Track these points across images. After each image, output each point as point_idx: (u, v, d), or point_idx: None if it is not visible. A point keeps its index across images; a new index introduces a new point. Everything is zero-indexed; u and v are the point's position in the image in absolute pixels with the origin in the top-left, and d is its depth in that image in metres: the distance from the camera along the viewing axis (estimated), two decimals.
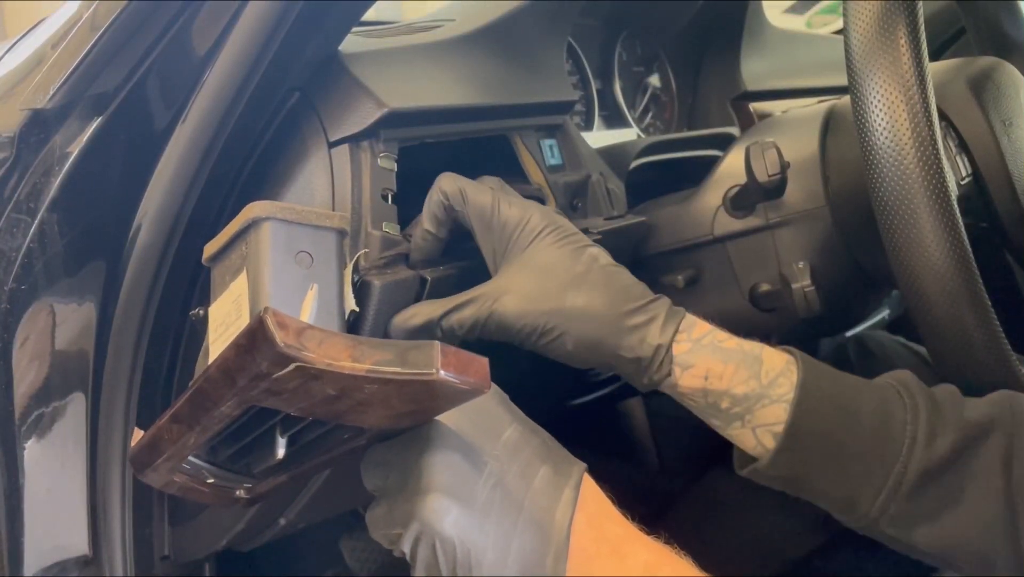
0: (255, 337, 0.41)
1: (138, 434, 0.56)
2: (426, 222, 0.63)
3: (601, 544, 0.51)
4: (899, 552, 0.61)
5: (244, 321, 0.51)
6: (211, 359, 0.52)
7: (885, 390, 0.59)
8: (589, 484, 0.53)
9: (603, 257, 0.61)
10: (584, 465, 0.54)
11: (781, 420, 0.58)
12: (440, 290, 0.63)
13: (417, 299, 0.63)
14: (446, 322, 0.60)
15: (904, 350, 0.98)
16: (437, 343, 0.44)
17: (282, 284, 0.52)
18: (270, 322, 0.41)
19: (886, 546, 0.60)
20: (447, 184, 0.63)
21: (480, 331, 0.60)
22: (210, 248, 0.55)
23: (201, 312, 0.58)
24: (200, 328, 0.59)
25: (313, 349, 0.42)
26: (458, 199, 0.62)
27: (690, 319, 0.60)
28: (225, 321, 0.53)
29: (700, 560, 0.55)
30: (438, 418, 0.51)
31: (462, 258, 0.66)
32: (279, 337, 0.41)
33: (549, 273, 0.59)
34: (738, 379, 0.59)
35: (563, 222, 0.62)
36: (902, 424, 0.57)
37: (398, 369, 0.43)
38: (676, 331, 0.59)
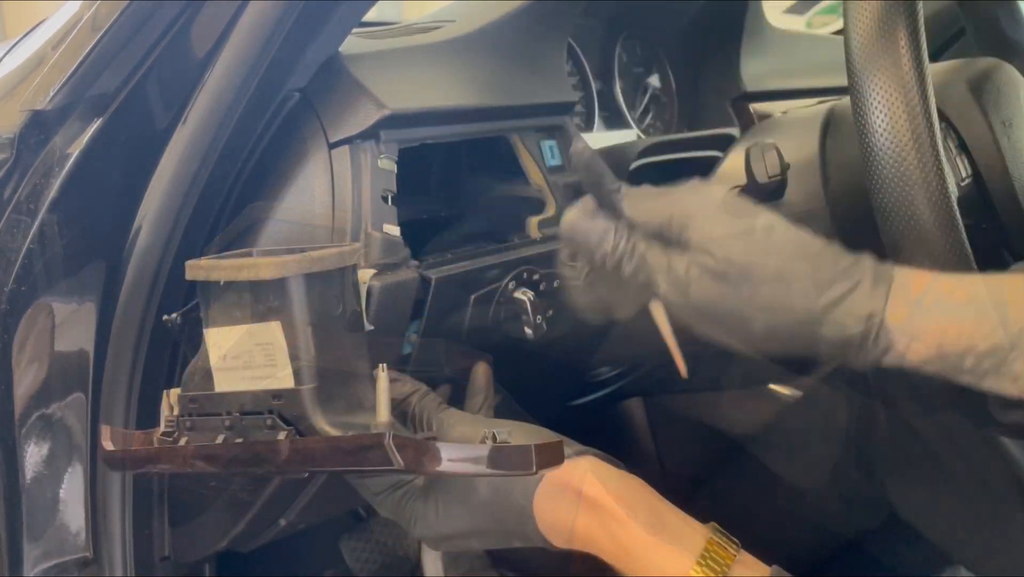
0: (371, 453, 0.48)
1: (107, 432, 0.58)
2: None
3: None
4: (911, 554, 0.59)
5: (283, 373, 0.52)
6: (218, 386, 0.54)
7: None
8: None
9: (779, 225, 0.52)
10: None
11: None
12: (444, 290, 0.63)
13: (421, 300, 0.64)
14: (619, 235, 0.55)
15: None
16: (533, 446, 0.47)
17: (325, 343, 0.53)
18: (392, 448, 0.47)
19: (900, 548, 0.58)
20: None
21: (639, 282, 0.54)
22: (206, 274, 0.54)
23: (178, 320, 0.59)
24: (175, 334, 0.59)
25: (429, 464, 0.48)
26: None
27: (903, 277, 0.51)
28: (244, 360, 0.53)
29: None
30: None
31: (468, 255, 0.67)
32: (399, 462, 0.47)
33: (729, 251, 0.51)
34: (980, 334, 0.49)
35: (727, 194, 0.54)
36: None
37: (500, 471, 0.48)
38: (887, 296, 0.50)
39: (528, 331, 0.69)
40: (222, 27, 0.60)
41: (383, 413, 0.50)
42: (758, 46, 1.23)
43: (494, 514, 0.55)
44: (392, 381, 0.56)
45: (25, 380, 0.66)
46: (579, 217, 0.58)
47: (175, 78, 0.62)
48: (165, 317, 0.59)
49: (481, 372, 0.66)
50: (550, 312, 0.72)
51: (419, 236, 0.69)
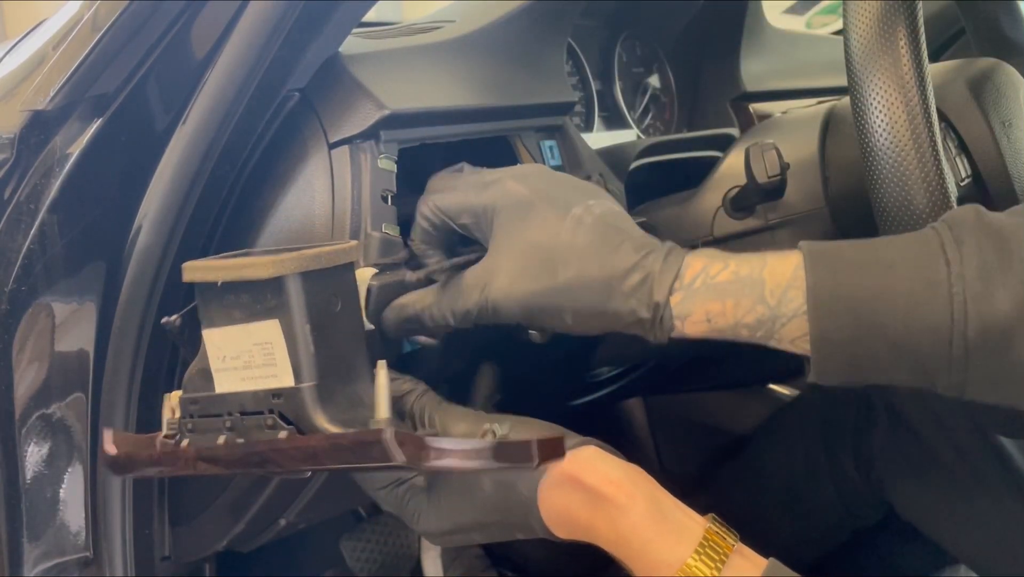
0: (371, 449, 0.47)
1: (109, 435, 0.57)
2: (423, 246, 0.61)
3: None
4: (911, 553, 0.60)
5: (283, 372, 0.52)
6: (218, 387, 0.54)
7: (922, 244, 0.52)
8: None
9: (589, 214, 0.56)
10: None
11: (805, 333, 0.53)
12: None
13: None
14: (437, 311, 0.58)
15: None
16: (534, 440, 0.47)
17: (323, 341, 0.53)
18: (390, 443, 0.47)
19: (899, 547, 0.58)
20: (426, 211, 0.61)
21: (475, 319, 0.58)
22: (203, 275, 0.54)
23: (177, 322, 0.59)
24: (173, 336, 0.59)
25: (430, 459, 0.48)
26: (440, 219, 0.60)
27: (686, 263, 0.55)
28: (244, 360, 0.53)
29: None
30: None
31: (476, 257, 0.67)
32: (400, 458, 0.47)
33: (535, 248, 0.56)
34: (742, 310, 0.54)
35: (547, 184, 0.58)
36: (946, 286, 0.49)
37: (502, 465, 0.48)
38: (673, 283, 0.55)
39: (534, 333, 0.69)
40: (222, 27, 0.60)
41: (383, 409, 0.50)
42: (758, 46, 1.23)
43: (498, 508, 0.55)
44: (391, 380, 0.55)
45: (25, 380, 0.66)
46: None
47: (175, 78, 0.62)
48: (164, 320, 0.59)
49: (486, 372, 0.66)
50: None
51: None
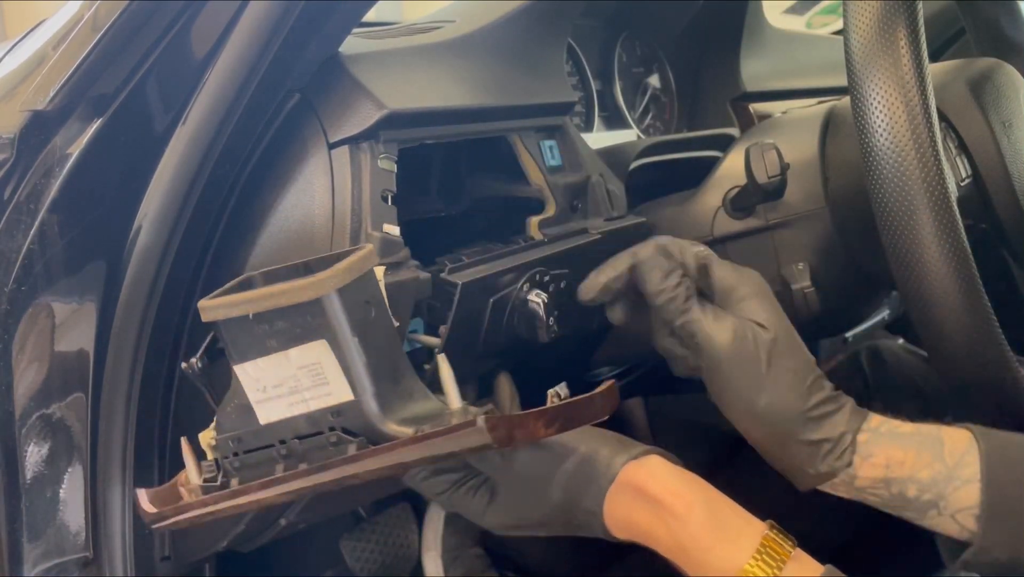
0: (467, 437, 0.49)
1: (143, 495, 0.58)
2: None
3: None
4: (911, 554, 0.61)
5: (338, 388, 0.52)
6: (262, 418, 0.54)
7: None
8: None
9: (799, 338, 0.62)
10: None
11: (977, 502, 0.56)
12: (468, 295, 0.63)
13: (442, 304, 0.64)
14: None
15: (915, 358, 0.98)
16: (597, 393, 0.53)
17: (370, 348, 0.53)
18: (484, 429, 0.49)
19: (900, 548, 0.59)
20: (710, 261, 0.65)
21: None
22: (229, 311, 0.52)
23: (198, 365, 0.58)
24: (196, 380, 0.58)
25: (519, 437, 0.50)
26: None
27: (870, 415, 0.61)
28: (290, 385, 0.53)
29: None
30: None
31: (484, 258, 0.67)
32: (494, 440, 0.49)
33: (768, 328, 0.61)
34: (921, 463, 0.58)
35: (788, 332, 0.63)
36: None
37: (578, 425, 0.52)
38: (860, 421, 0.60)
39: (542, 333, 0.70)
40: (222, 27, 0.60)
41: (454, 399, 0.52)
42: (758, 46, 1.23)
43: (564, 513, 0.57)
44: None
45: (25, 380, 0.66)
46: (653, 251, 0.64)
47: (175, 78, 0.62)
48: (184, 365, 0.58)
49: (504, 383, 0.67)
50: (556, 312, 0.72)
51: (419, 236, 0.69)
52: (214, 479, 0.56)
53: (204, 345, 0.58)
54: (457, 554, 1.06)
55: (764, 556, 0.52)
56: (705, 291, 0.64)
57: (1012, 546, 0.56)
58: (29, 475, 0.66)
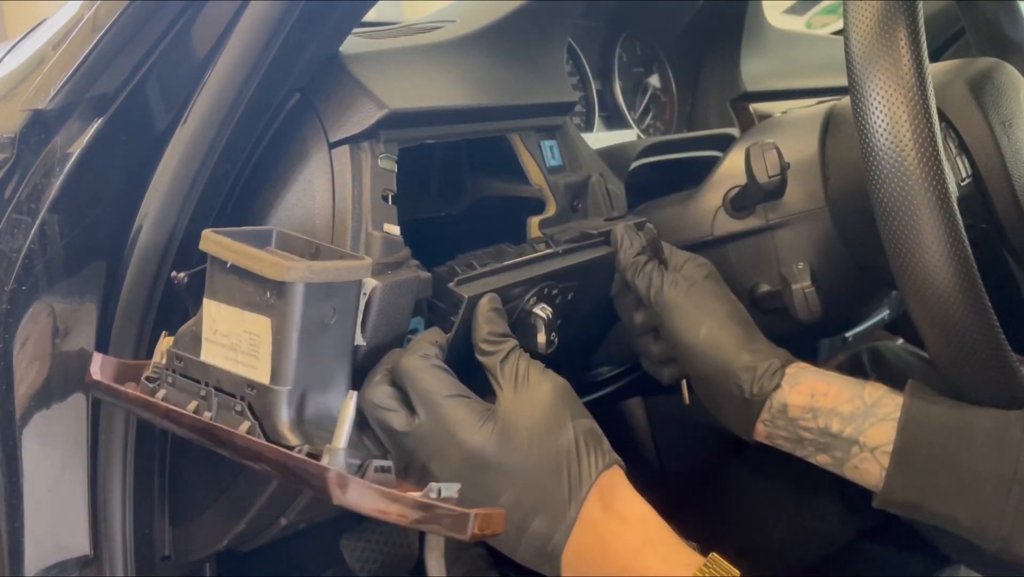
0: (313, 478, 0.49)
1: (98, 360, 0.61)
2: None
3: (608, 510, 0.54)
4: (912, 554, 0.61)
5: (262, 368, 0.54)
6: (203, 355, 0.57)
7: (1001, 412, 0.60)
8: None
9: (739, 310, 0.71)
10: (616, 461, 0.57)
11: (892, 439, 0.60)
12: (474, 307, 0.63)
13: (447, 307, 0.64)
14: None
15: (916, 358, 0.98)
16: (473, 514, 0.47)
17: (309, 350, 0.54)
18: (332, 483, 0.48)
19: (901, 548, 0.60)
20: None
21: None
22: (216, 250, 0.55)
23: (185, 280, 0.61)
24: (179, 291, 0.61)
25: (363, 510, 0.48)
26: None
27: (802, 362, 0.68)
28: (232, 341, 0.55)
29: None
30: None
31: (495, 268, 0.66)
32: (337, 499, 0.48)
33: (707, 284, 0.71)
34: (842, 398, 0.64)
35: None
36: (1020, 439, 0.57)
37: (432, 527, 0.49)
38: (791, 360, 0.67)
39: (541, 344, 0.70)
40: (222, 27, 0.60)
41: (339, 439, 0.50)
42: (758, 46, 1.23)
43: (559, 467, 0.55)
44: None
45: (25, 380, 0.65)
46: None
47: (175, 78, 0.62)
48: (174, 274, 0.61)
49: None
50: (559, 322, 0.72)
51: (419, 236, 0.69)
52: (153, 380, 0.59)
53: (198, 267, 0.60)
54: (459, 553, 1.06)
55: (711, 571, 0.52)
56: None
57: (914, 488, 0.59)
58: (29, 475, 0.66)
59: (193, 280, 0.61)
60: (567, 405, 0.57)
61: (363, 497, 0.48)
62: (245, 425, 0.54)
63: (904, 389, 0.64)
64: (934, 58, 0.65)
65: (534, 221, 0.77)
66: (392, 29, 0.84)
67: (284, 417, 0.54)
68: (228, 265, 0.54)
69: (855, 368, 0.98)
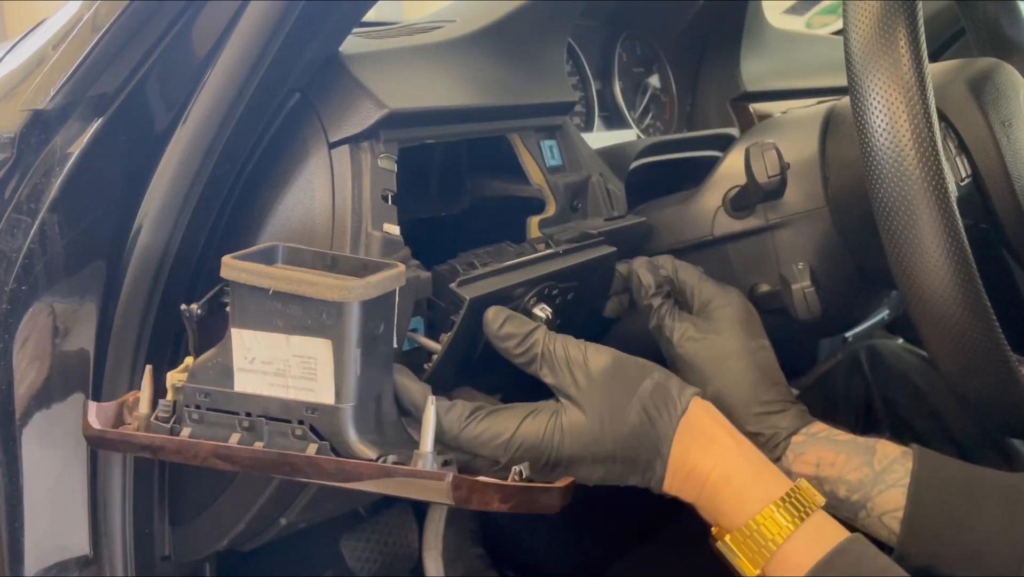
0: (426, 485, 0.51)
1: (92, 408, 0.58)
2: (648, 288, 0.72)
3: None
4: None
5: (323, 389, 0.53)
6: (239, 385, 0.55)
7: (1012, 474, 0.60)
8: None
9: (764, 351, 0.70)
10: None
11: (902, 505, 0.60)
12: (475, 309, 0.63)
13: (447, 307, 0.64)
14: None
15: (915, 357, 0.98)
16: (559, 486, 0.53)
17: (367, 363, 0.54)
18: (448, 488, 0.51)
19: None
20: (667, 264, 0.75)
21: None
22: (251, 278, 0.53)
23: (197, 312, 0.58)
24: (189, 323, 0.59)
25: (474, 504, 0.51)
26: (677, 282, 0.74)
27: (815, 423, 0.66)
28: (278, 367, 0.54)
29: (712, 561, 0.55)
30: None
31: (495, 269, 0.66)
32: (451, 500, 0.51)
33: (729, 335, 0.69)
34: (850, 466, 0.63)
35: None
36: None
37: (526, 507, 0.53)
38: (800, 426, 0.66)
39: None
40: (222, 27, 0.60)
41: (427, 442, 0.52)
42: (758, 46, 1.23)
43: (638, 441, 0.57)
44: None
45: (25, 380, 0.66)
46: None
47: (175, 78, 0.62)
48: (183, 307, 0.59)
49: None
50: (558, 321, 0.72)
51: (419, 236, 0.69)
52: (167, 420, 0.57)
53: (209, 295, 0.58)
54: (458, 554, 1.06)
55: (790, 502, 0.54)
56: (684, 303, 0.74)
57: (925, 555, 0.59)
58: (29, 475, 0.66)
59: (206, 311, 0.59)
60: (624, 374, 0.58)
61: (476, 493, 0.51)
62: (312, 447, 0.53)
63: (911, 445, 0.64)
64: (934, 58, 0.65)
65: (534, 221, 0.77)
66: (392, 29, 0.84)
67: (353, 433, 0.53)
68: (271, 292, 0.52)
69: (853, 367, 0.98)
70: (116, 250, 0.64)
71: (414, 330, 0.65)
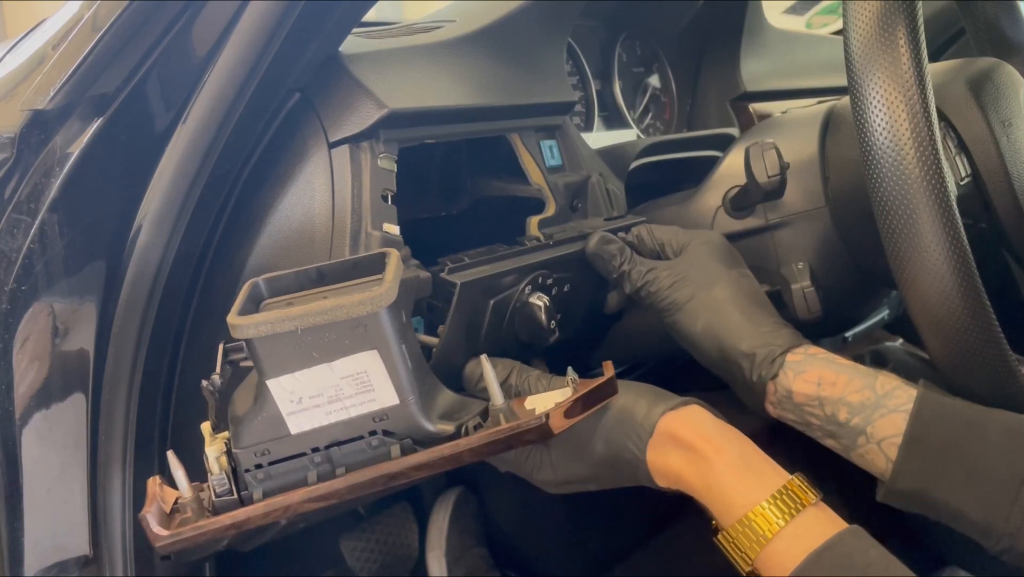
0: (529, 433, 0.55)
1: (152, 520, 0.55)
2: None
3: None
4: (911, 555, 0.61)
5: (384, 394, 0.54)
6: (294, 428, 0.54)
7: (1017, 414, 0.59)
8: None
9: (748, 280, 0.71)
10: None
11: (902, 430, 0.59)
12: (467, 295, 0.64)
13: (443, 304, 0.64)
14: (637, 275, 0.72)
15: (920, 362, 0.98)
16: (612, 377, 0.59)
17: (410, 353, 0.55)
18: (549, 425, 0.55)
19: (901, 549, 0.60)
20: (642, 231, 0.76)
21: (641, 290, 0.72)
22: (275, 327, 0.51)
23: (219, 382, 0.56)
24: (213, 397, 0.57)
25: (566, 424, 0.56)
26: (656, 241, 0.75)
27: (813, 345, 0.66)
28: (329, 395, 0.54)
29: (716, 562, 0.55)
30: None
31: (486, 259, 0.67)
32: (554, 432, 0.55)
33: (709, 268, 0.70)
34: (852, 388, 0.62)
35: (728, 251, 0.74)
36: None
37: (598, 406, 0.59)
38: (796, 344, 0.65)
39: (544, 336, 0.70)
40: (222, 27, 0.60)
41: (497, 396, 0.56)
42: (758, 46, 1.23)
43: (611, 464, 0.60)
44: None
45: (25, 380, 0.65)
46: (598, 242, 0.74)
47: (175, 78, 0.62)
48: (205, 382, 0.56)
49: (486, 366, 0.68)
50: (559, 315, 0.72)
51: (420, 236, 0.69)
52: (229, 491, 0.55)
53: (219, 361, 0.57)
54: (460, 554, 1.06)
55: (781, 499, 0.54)
56: (651, 254, 0.75)
57: (921, 480, 0.58)
58: (29, 475, 0.66)
59: (225, 376, 0.57)
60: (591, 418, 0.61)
61: (560, 417, 0.56)
62: (395, 449, 0.54)
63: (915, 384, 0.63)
64: (934, 58, 0.65)
65: (534, 221, 0.77)
66: (392, 29, 0.84)
67: (425, 420, 0.55)
68: (299, 332, 0.51)
69: None
70: (116, 250, 0.64)
71: (414, 330, 0.65)
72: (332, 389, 0.53)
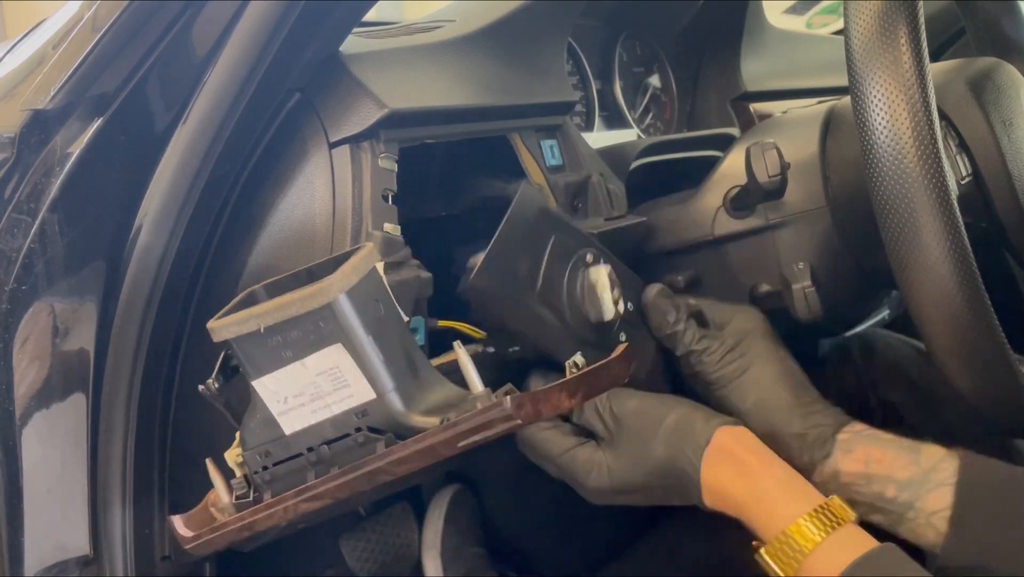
0: (495, 423, 0.51)
1: (178, 521, 0.58)
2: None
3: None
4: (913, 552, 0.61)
5: (360, 389, 0.53)
6: (287, 428, 0.54)
7: None
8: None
9: (792, 358, 0.72)
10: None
11: (950, 504, 0.60)
12: (532, 205, 0.64)
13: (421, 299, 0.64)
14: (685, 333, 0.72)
15: (908, 347, 0.98)
16: (613, 359, 0.55)
17: (385, 345, 0.54)
18: (514, 412, 0.51)
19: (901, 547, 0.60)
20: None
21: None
22: (240, 328, 0.53)
23: (215, 385, 0.58)
24: (214, 402, 0.58)
25: (543, 414, 0.52)
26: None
27: (855, 421, 0.67)
28: (310, 393, 0.54)
29: (718, 562, 0.55)
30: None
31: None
32: (520, 420, 0.51)
33: (758, 346, 0.71)
34: (898, 464, 0.63)
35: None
36: None
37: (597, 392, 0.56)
38: (845, 423, 0.66)
39: (608, 308, 0.68)
40: (223, 27, 0.60)
41: (476, 383, 0.53)
42: (758, 46, 1.23)
43: (665, 472, 0.61)
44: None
45: (25, 380, 0.65)
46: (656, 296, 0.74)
47: (176, 78, 0.62)
48: (201, 387, 0.58)
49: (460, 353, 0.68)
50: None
51: (420, 236, 0.69)
52: (246, 495, 0.57)
53: (218, 364, 0.58)
54: (457, 554, 1.06)
55: (821, 515, 0.55)
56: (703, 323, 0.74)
57: (973, 555, 0.59)
58: (29, 475, 0.66)
59: (222, 379, 0.58)
60: (647, 414, 0.63)
61: (543, 403, 0.52)
62: (379, 444, 0.53)
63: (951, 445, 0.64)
64: (934, 58, 0.65)
65: None
66: (392, 29, 0.84)
67: (408, 412, 0.54)
68: (262, 331, 0.52)
69: (844, 358, 0.98)
70: (116, 250, 0.64)
71: (414, 330, 0.65)
72: (311, 387, 0.53)
